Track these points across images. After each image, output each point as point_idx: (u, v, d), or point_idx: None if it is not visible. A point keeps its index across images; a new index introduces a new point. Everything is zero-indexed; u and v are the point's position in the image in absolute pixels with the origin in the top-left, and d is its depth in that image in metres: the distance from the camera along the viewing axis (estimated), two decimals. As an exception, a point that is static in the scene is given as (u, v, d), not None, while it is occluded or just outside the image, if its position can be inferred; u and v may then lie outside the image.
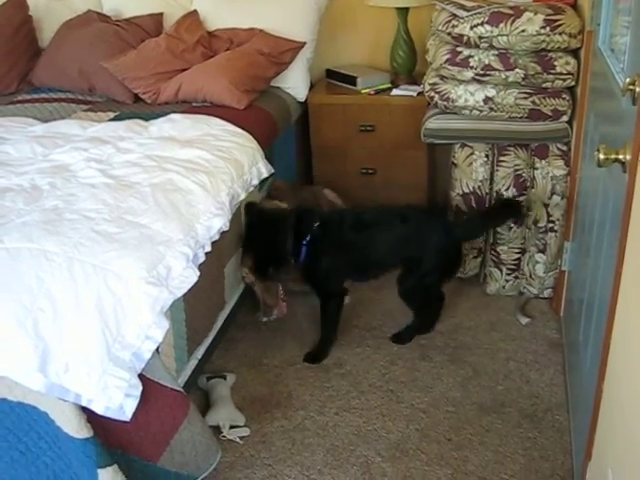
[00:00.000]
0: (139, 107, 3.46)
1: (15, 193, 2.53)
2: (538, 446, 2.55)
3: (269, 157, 3.12)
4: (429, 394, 2.80)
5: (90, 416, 2.03)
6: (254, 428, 2.67)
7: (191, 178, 2.62)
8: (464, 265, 3.38)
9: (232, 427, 2.64)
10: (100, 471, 2.03)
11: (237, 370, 2.95)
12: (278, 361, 3.02)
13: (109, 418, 2.04)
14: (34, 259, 2.13)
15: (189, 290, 2.31)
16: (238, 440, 2.61)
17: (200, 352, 2.67)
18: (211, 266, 2.58)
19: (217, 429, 2.60)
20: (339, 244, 2.91)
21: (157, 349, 2.18)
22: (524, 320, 3.21)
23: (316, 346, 3.04)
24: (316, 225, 2.91)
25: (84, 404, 2.02)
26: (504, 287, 3.35)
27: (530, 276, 3.30)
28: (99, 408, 2.02)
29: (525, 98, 3.09)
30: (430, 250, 2.91)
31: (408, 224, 2.92)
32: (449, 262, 3.02)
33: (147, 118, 3.19)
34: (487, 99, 3.12)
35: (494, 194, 3.22)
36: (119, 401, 2.02)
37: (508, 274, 3.32)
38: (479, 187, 3.23)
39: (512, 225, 3.23)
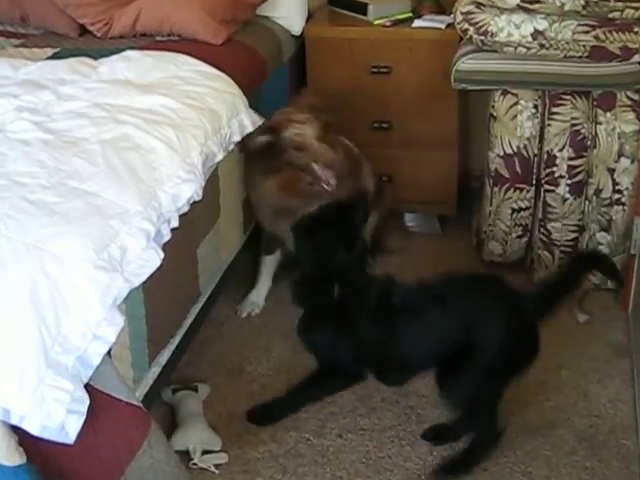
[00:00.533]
0: (86, 42, 3.45)
1: None
2: (598, 478, 2.55)
3: (255, 106, 3.11)
4: (459, 411, 2.82)
5: (23, 438, 2.02)
6: (233, 454, 2.68)
7: (153, 133, 2.60)
8: (505, 246, 3.39)
9: (205, 452, 2.65)
10: (33, 509, 2.04)
11: (212, 380, 2.95)
12: (264, 368, 3.03)
13: (47, 440, 2.03)
14: (-51, 235, 2.13)
15: (150, 277, 2.30)
16: (213, 469, 2.62)
17: (165, 357, 2.67)
18: (179, 247, 2.58)
19: (186, 455, 2.60)
20: (351, 325, 2.66)
21: (109, 353, 2.17)
22: (582, 317, 3.22)
23: (270, 401, 2.87)
24: (336, 290, 2.66)
25: (15, 422, 2.01)
26: (556, 275, 3.36)
27: (590, 261, 3.30)
28: (34, 427, 2.02)
29: (586, 32, 3.08)
30: (490, 337, 2.57)
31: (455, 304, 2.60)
32: (518, 354, 2.63)
33: (96, 56, 3.17)
34: (537, 33, 3.10)
35: (544, 156, 3.22)
36: (60, 419, 2.02)
37: (562, 258, 3.33)
38: (525, 147, 3.23)
39: (567, 196, 3.23)
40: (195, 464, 2.60)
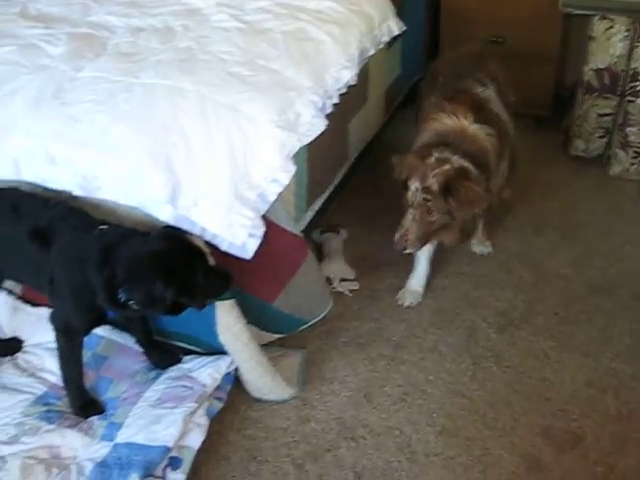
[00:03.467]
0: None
1: (149, 33, 2.57)
2: (650, 327, 2.51)
3: (399, 15, 3.04)
4: (540, 268, 2.80)
5: (213, 252, 2.09)
6: (363, 283, 2.72)
7: (322, 28, 2.60)
8: (588, 144, 3.31)
9: (342, 280, 2.70)
10: (218, 303, 2.12)
11: (350, 227, 2.97)
12: (390, 223, 3.01)
13: (231, 255, 2.11)
14: (168, 95, 2.19)
15: (313, 140, 2.33)
16: (348, 293, 2.68)
17: (317, 204, 2.70)
18: (336, 120, 2.57)
19: (328, 281, 2.64)
20: None
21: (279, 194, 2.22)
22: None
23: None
24: None
25: (208, 239, 2.09)
26: (628, 170, 3.27)
27: (658, 161, 3.21)
28: (222, 244, 2.10)
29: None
30: None
31: None
32: None
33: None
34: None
35: (630, 72, 3.10)
36: (242, 239, 2.09)
37: (634, 157, 3.23)
38: (615, 63, 3.13)
39: (646, 105, 3.12)
40: (334, 288, 2.66)
